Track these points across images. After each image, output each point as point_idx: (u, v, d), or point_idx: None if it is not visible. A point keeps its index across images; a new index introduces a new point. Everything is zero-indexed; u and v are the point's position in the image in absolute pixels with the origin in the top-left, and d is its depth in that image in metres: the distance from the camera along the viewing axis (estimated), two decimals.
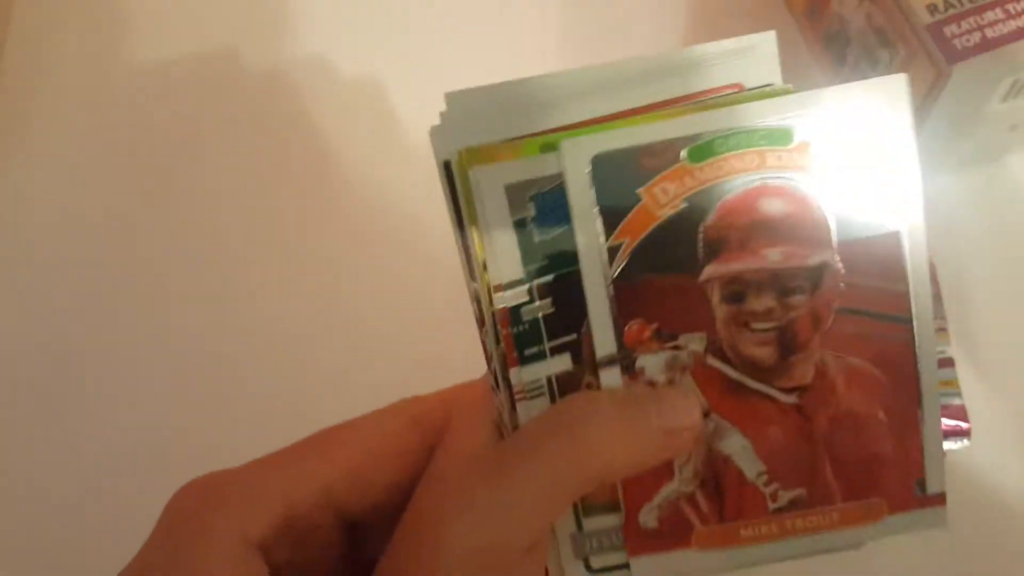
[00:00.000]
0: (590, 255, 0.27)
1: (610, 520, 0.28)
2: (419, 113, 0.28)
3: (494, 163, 0.26)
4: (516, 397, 0.27)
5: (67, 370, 0.45)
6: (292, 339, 0.45)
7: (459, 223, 0.27)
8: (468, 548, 0.24)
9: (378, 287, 0.46)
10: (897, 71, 0.42)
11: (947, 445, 0.38)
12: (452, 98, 0.27)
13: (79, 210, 0.49)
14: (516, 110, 0.27)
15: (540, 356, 0.27)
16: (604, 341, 0.27)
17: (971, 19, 0.40)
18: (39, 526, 0.41)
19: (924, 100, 0.41)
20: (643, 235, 0.27)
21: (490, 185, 0.26)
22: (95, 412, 0.44)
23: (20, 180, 0.50)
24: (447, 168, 0.27)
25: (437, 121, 0.27)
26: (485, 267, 0.27)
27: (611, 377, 0.27)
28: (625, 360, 0.27)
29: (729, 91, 0.28)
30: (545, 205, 0.27)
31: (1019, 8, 0.39)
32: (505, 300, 0.27)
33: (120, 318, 0.46)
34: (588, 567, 0.28)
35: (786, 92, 0.27)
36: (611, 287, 0.27)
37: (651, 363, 0.27)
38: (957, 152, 0.45)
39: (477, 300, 0.28)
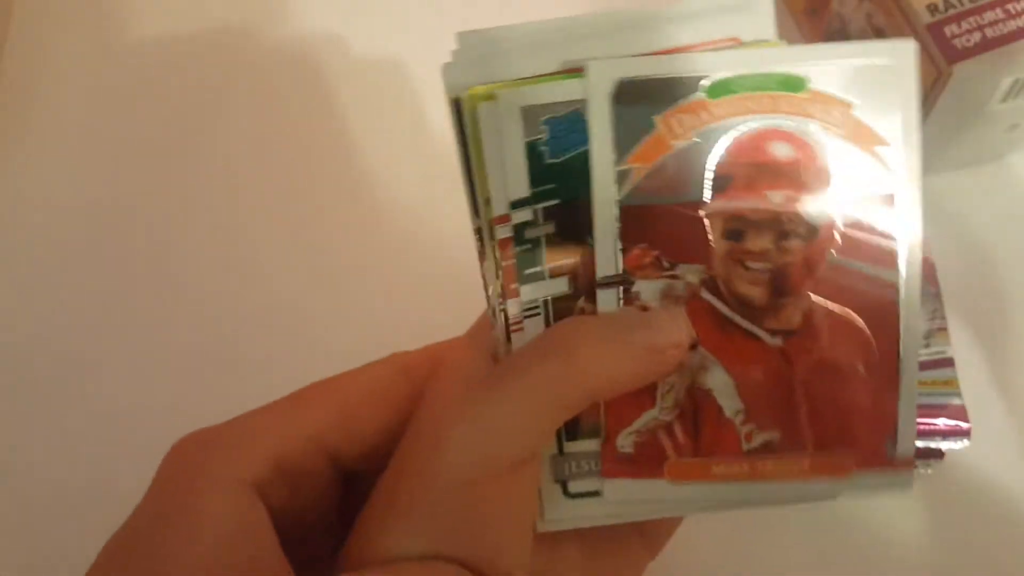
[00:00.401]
0: (602, 176, 0.27)
1: (592, 445, 0.28)
2: (431, 86, 0.29)
3: (512, 87, 0.27)
4: (512, 328, 0.28)
5: (70, 367, 0.45)
6: (301, 326, 0.45)
7: (466, 160, 0.28)
8: (462, 460, 0.25)
9: (388, 269, 0.46)
10: None
11: (947, 445, 0.39)
12: (464, 37, 0.27)
13: (80, 207, 0.49)
14: (523, 51, 0.28)
15: (539, 276, 0.28)
16: (606, 262, 0.28)
17: (971, 19, 0.40)
18: (41, 517, 0.42)
19: (924, 100, 0.41)
20: (654, 162, 0.28)
21: (508, 106, 0.27)
22: (98, 409, 0.44)
23: (20, 179, 0.50)
24: (456, 105, 0.27)
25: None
26: (488, 202, 0.27)
27: (609, 297, 0.28)
28: (624, 283, 0.28)
29: (727, 43, 0.28)
30: (558, 129, 0.27)
31: (1019, 8, 0.40)
32: (513, 218, 0.27)
33: (124, 314, 0.46)
34: (566, 491, 0.28)
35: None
36: (618, 209, 0.28)
37: (647, 289, 0.28)
38: (957, 152, 0.45)
39: (479, 234, 0.28)
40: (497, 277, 0.28)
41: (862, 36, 0.45)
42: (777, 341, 0.28)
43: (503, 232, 0.28)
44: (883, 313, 0.28)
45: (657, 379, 0.28)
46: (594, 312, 0.28)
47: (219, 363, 0.44)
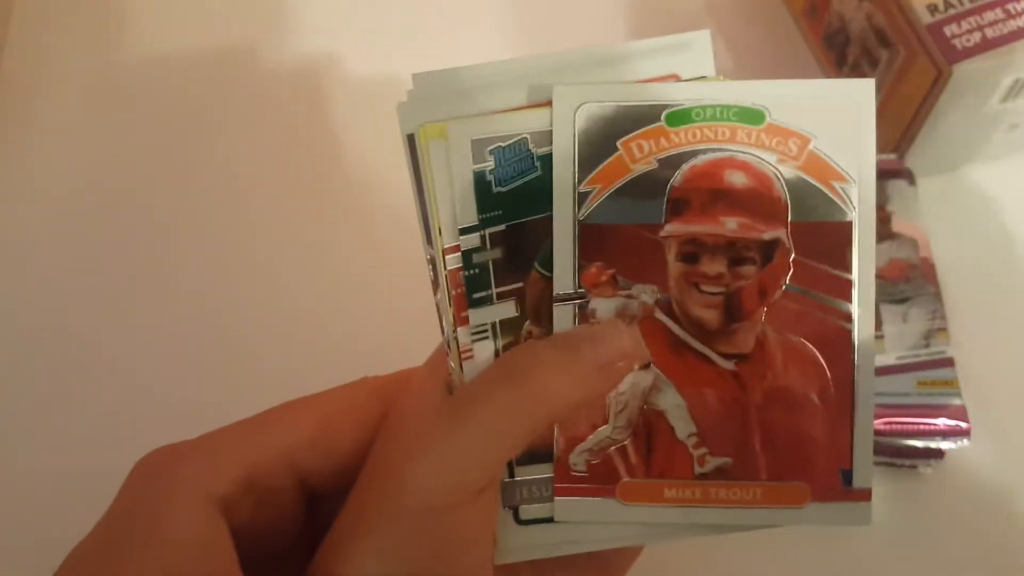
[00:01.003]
0: (563, 194, 0.28)
1: (544, 470, 0.29)
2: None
3: (463, 121, 0.28)
4: (463, 356, 0.29)
5: (69, 368, 0.45)
6: (298, 328, 0.46)
7: (419, 191, 0.29)
8: (425, 487, 0.25)
9: (383, 275, 0.46)
10: (897, 71, 0.42)
11: (947, 445, 0.39)
12: (418, 79, 0.29)
13: (79, 207, 0.49)
14: (470, 92, 0.29)
15: (488, 300, 0.29)
16: (564, 278, 0.28)
17: (971, 19, 0.40)
18: (39, 517, 0.42)
19: (924, 100, 0.41)
20: (615, 184, 0.28)
21: (458, 137, 0.28)
22: (97, 409, 0.44)
23: (20, 180, 0.50)
24: (411, 140, 0.29)
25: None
26: (440, 232, 0.29)
27: (565, 314, 0.28)
28: (580, 299, 0.28)
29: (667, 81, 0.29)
30: (503, 158, 0.28)
31: (1019, 8, 0.40)
32: (461, 244, 0.28)
33: (121, 315, 0.46)
34: (517, 517, 0.29)
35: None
36: (577, 227, 0.28)
37: (603, 307, 0.29)
38: (957, 152, 0.45)
39: (432, 264, 0.29)
40: (450, 306, 0.29)
41: (862, 36, 0.44)
42: (730, 365, 0.28)
43: (453, 262, 0.28)
44: (838, 343, 0.28)
45: (610, 390, 0.28)
46: (543, 334, 0.28)
47: (217, 363, 0.45)
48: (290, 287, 0.47)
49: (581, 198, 0.28)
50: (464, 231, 0.28)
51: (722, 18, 0.51)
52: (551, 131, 0.28)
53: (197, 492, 0.25)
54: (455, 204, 0.28)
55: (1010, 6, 0.40)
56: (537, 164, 0.29)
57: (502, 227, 0.28)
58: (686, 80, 0.29)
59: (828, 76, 0.48)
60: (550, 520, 0.29)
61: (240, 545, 0.26)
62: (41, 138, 0.51)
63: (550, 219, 0.28)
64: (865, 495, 0.28)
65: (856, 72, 0.46)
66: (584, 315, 0.28)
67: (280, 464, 0.27)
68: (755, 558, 0.39)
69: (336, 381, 0.30)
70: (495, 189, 0.28)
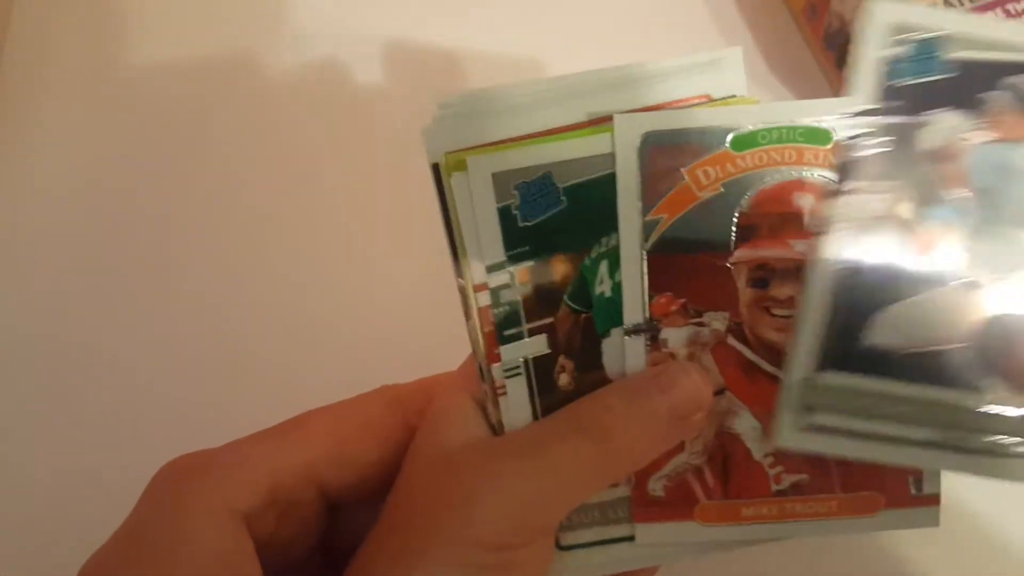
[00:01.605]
0: (629, 226, 0.28)
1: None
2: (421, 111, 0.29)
3: (482, 154, 0.28)
4: (497, 392, 0.28)
5: (68, 368, 0.44)
6: (293, 336, 0.45)
7: (447, 221, 0.29)
8: (496, 525, 0.25)
9: (380, 285, 0.46)
10: None
11: None
12: (444, 105, 0.28)
13: (80, 208, 0.48)
14: (499, 114, 0.28)
15: (518, 336, 0.29)
16: (633, 310, 0.28)
17: None
18: (40, 519, 0.41)
19: None
20: (681, 213, 0.28)
21: (479, 173, 0.28)
22: (97, 410, 0.43)
23: (19, 181, 0.49)
24: (436, 170, 0.28)
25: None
26: (468, 264, 0.28)
27: (636, 345, 0.28)
28: (651, 331, 0.28)
29: (698, 101, 0.29)
30: (529, 193, 0.28)
31: (1019, 8, 0.40)
32: (489, 281, 0.28)
33: (121, 316, 0.45)
34: (557, 543, 0.29)
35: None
36: (645, 258, 0.28)
37: (674, 336, 0.29)
38: None
39: (463, 294, 0.29)
40: (481, 340, 0.28)
41: None
42: None
43: (483, 300, 0.28)
44: None
45: (688, 438, 0.28)
46: (574, 368, 0.28)
47: (221, 365, 0.44)
48: (295, 288, 0.46)
49: (648, 228, 0.28)
50: (492, 268, 0.28)
51: (722, 18, 0.51)
52: (580, 160, 0.28)
53: (221, 505, 0.25)
54: (480, 241, 0.28)
55: (1010, 6, 0.40)
56: (563, 198, 0.28)
57: (531, 262, 0.28)
58: (718, 99, 0.29)
59: (828, 76, 0.49)
60: (593, 544, 0.29)
61: (262, 557, 0.26)
62: (41, 138, 0.50)
63: (579, 252, 0.28)
64: (935, 500, 0.29)
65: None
66: (655, 345, 0.28)
67: (302, 477, 0.27)
68: (756, 559, 0.39)
69: (347, 385, 0.29)
70: (521, 224, 0.28)
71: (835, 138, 0.28)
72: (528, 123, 0.28)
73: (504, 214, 0.28)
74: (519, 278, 0.28)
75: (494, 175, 0.28)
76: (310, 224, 0.47)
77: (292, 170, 0.49)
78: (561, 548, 0.29)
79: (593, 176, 0.28)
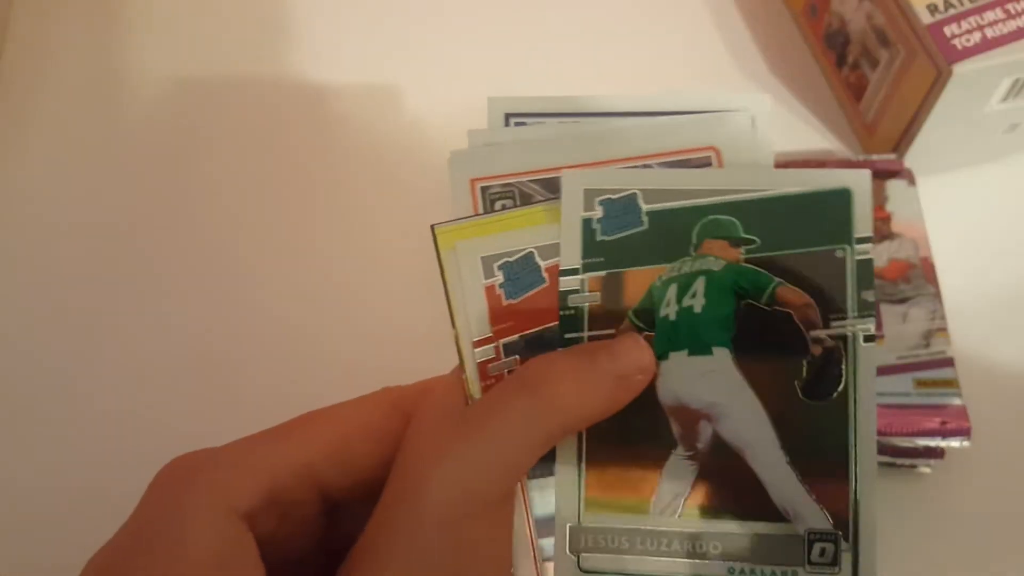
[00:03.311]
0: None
1: (613, 520, 0.29)
2: (431, 114, 0.31)
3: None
4: None
5: (66, 370, 0.44)
6: (293, 342, 0.45)
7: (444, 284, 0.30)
8: (445, 498, 0.25)
9: (380, 294, 0.46)
10: (897, 71, 0.42)
11: (947, 445, 0.39)
12: (474, 135, 0.31)
13: (78, 212, 0.48)
14: (524, 150, 0.31)
15: (578, 341, 0.29)
16: None
17: (971, 19, 0.40)
18: (36, 523, 0.41)
19: (924, 100, 0.41)
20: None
21: (571, 186, 0.30)
22: (94, 413, 0.43)
23: (20, 180, 0.49)
24: (432, 232, 0.30)
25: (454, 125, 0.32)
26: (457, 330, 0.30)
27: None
28: None
29: (705, 152, 0.31)
30: (612, 210, 0.30)
31: (1019, 8, 0.40)
32: (561, 284, 0.30)
33: (120, 318, 0.45)
34: (578, 565, 0.29)
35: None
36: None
37: None
38: (957, 152, 0.45)
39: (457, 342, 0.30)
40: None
41: (862, 36, 0.45)
42: None
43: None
44: None
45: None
46: None
47: (220, 366, 0.44)
48: (294, 291, 0.46)
49: None
50: (566, 272, 0.29)
51: (722, 18, 0.51)
52: (665, 191, 0.29)
53: (223, 505, 0.25)
54: (566, 246, 0.29)
55: (1010, 6, 0.40)
56: (644, 219, 0.29)
57: (603, 273, 0.29)
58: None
59: (828, 76, 0.48)
60: (615, 574, 0.29)
61: (262, 556, 0.25)
62: (40, 139, 0.50)
63: (651, 273, 0.29)
64: None
65: (855, 72, 0.46)
66: None
67: (301, 478, 0.27)
68: None
69: (345, 387, 0.30)
70: (599, 238, 0.29)
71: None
72: (545, 160, 0.31)
73: (586, 225, 0.29)
74: (589, 286, 0.29)
75: (586, 190, 0.30)
76: (307, 227, 0.48)
77: (290, 172, 0.49)
78: (583, 571, 0.29)
79: (674, 205, 0.29)
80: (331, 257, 0.47)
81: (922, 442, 0.39)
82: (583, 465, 0.29)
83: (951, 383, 0.40)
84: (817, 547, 0.27)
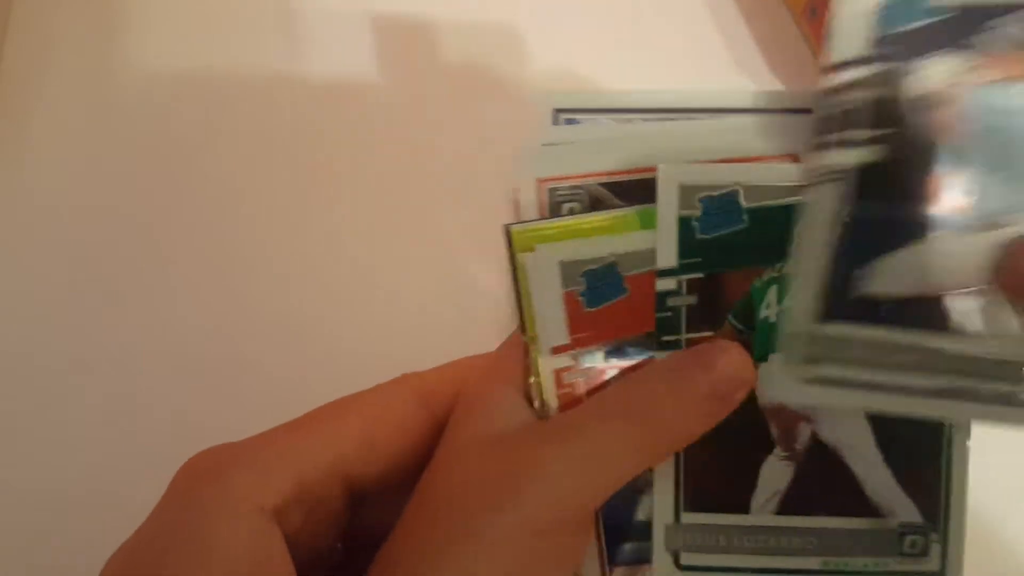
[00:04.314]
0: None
1: (712, 517, 0.29)
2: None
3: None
4: None
5: (68, 371, 0.44)
6: (304, 331, 0.45)
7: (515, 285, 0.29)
8: (541, 507, 0.25)
9: (397, 275, 0.46)
10: None
11: None
12: (528, 139, 0.30)
13: (79, 210, 0.47)
14: (591, 147, 0.30)
15: (677, 345, 0.28)
16: None
17: None
18: (43, 521, 0.41)
19: None
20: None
21: (667, 182, 0.28)
22: (100, 413, 0.43)
23: (20, 180, 0.48)
24: (507, 232, 0.29)
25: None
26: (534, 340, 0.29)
27: None
28: None
29: (785, 160, 0.29)
30: (711, 208, 0.28)
31: None
32: (658, 285, 0.28)
33: (122, 318, 0.45)
34: (677, 563, 0.29)
35: None
36: None
37: None
38: None
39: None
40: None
41: None
42: None
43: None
44: None
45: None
46: None
47: (225, 366, 0.44)
48: (298, 286, 0.46)
49: None
50: (663, 274, 0.28)
51: (722, 17, 0.52)
52: (767, 187, 0.28)
53: (250, 503, 0.24)
54: (662, 247, 0.28)
55: None
56: (745, 217, 0.28)
57: (701, 274, 0.28)
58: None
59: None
60: (713, 569, 0.29)
61: (291, 554, 0.25)
62: (41, 138, 0.49)
63: (752, 273, 0.28)
64: None
65: None
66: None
67: (330, 472, 0.27)
68: None
69: (351, 382, 0.29)
70: (698, 236, 0.28)
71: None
72: (613, 162, 0.29)
73: (684, 224, 0.28)
74: (687, 287, 0.28)
75: (681, 187, 0.28)
76: (313, 223, 0.47)
77: (293, 170, 0.49)
78: (681, 568, 0.29)
79: (777, 202, 0.28)
80: (337, 252, 0.47)
81: None
82: (681, 466, 0.29)
83: None
84: (908, 539, 0.28)
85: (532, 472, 0.25)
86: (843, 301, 0.27)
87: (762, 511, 0.29)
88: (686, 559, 0.29)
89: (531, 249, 0.28)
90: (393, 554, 0.26)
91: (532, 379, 0.28)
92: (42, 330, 0.45)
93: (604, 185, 0.30)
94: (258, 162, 0.49)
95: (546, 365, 0.28)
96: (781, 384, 0.27)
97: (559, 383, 0.28)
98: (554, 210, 0.30)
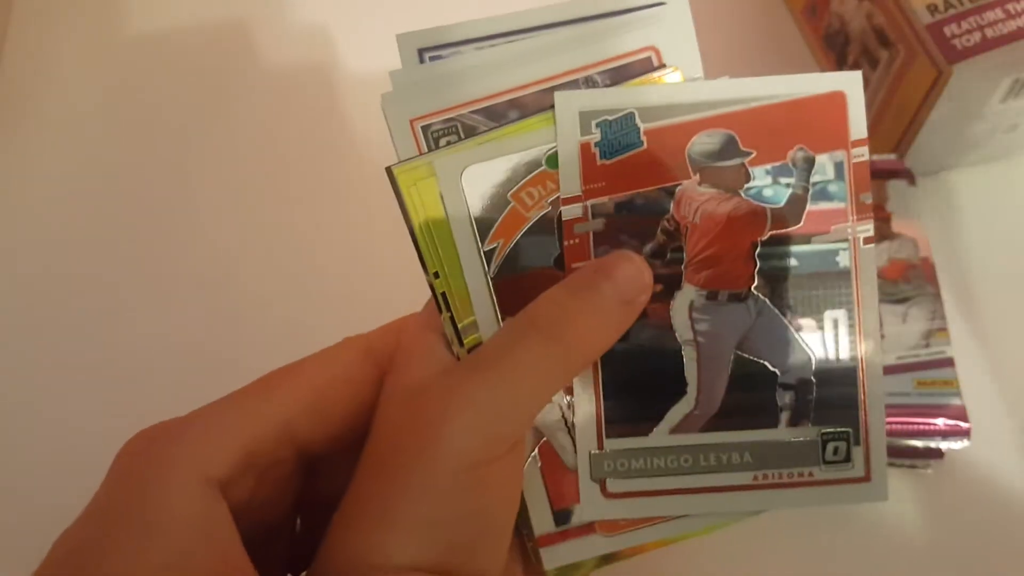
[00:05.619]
0: (470, 259, 0.29)
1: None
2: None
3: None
4: None
5: (68, 366, 0.44)
6: (292, 328, 0.44)
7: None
8: (466, 445, 0.25)
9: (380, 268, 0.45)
10: (897, 71, 0.42)
11: (947, 445, 0.39)
12: (396, 75, 0.29)
13: (79, 203, 0.48)
14: (453, 80, 0.29)
15: None
16: (489, 334, 0.29)
17: (971, 19, 0.40)
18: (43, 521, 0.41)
19: (924, 100, 0.41)
20: (516, 236, 0.29)
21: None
22: (97, 411, 0.43)
23: (19, 177, 0.49)
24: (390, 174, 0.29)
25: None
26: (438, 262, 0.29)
27: None
28: None
29: (644, 53, 0.30)
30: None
31: (1019, 8, 0.40)
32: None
33: (123, 310, 0.45)
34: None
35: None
36: (491, 285, 0.29)
37: None
38: (957, 152, 0.46)
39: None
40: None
41: (862, 36, 0.45)
42: None
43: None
44: None
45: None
46: None
47: (221, 356, 0.44)
48: (286, 272, 0.46)
49: (488, 257, 0.29)
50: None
51: (722, 18, 0.52)
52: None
53: (194, 474, 0.24)
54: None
55: (1010, 6, 0.40)
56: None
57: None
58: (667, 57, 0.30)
59: None
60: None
61: (241, 523, 0.25)
62: (41, 137, 0.50)
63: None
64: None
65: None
66: None
67: (279, 436, 0.26)
68: (754, 555, 0.39)
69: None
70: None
71: None
72: (478, 88, 0.29)
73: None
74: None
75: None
76: (310, 213, 0.48)
77: (291, 163, 0.49)
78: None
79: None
80: (335, 243, 0.47)
81: (922, 442, 0.39)
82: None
83: (951, 383, 0.40)
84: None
85: (456, 408, 0.25)
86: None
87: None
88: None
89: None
90: (344, 517, 0.26)
91: (443, 317, 0.29)
92: (42, 327, 0.45)
93: (475, 112, 0.30)
94: (258, 153, 0.49)
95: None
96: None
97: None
98: (431, 147, 0.29)
